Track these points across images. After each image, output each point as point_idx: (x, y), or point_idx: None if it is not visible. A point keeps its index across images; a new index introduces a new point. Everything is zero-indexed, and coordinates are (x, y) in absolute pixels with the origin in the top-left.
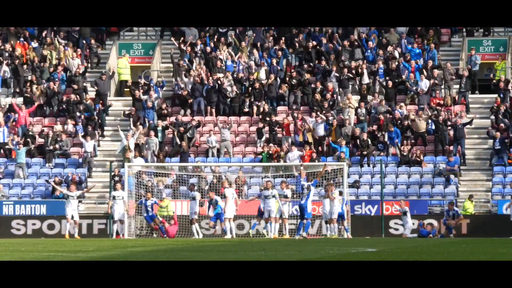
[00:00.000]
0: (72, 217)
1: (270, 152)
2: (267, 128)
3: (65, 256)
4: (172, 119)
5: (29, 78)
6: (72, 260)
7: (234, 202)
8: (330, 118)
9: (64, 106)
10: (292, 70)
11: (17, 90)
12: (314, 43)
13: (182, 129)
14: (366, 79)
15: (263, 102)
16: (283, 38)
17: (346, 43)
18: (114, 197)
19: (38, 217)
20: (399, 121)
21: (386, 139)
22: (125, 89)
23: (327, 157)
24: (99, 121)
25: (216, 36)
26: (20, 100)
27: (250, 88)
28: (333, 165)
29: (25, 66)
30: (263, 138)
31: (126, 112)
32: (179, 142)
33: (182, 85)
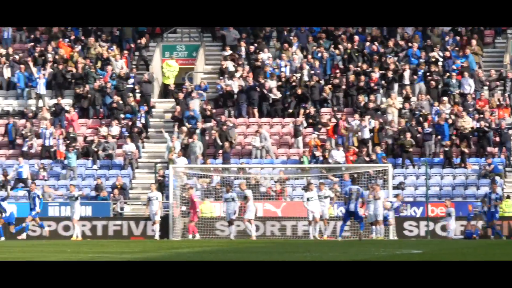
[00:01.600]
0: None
1: (315, 153)
2: (311, 130)
3: (110, 257)
4: (215, 120)
5: (74, 80)
6: (117, 261)
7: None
8: (373, 120)
9: (108, 108)
10: (336, 72)
11: (63, 92)
12: (357, 44)
13: (224, 128)
14: (408, 80)
15: (307, 104)
16: (327, 39)
17: (389, 43)
18: (149, 198)
19: (87, 218)
20: (443, 122)
21: (430, 140)
22: (171, 91)
23: (370, 158)
24: (143, 122)
25: (259, 38)
26: (66, 102)
27: (293, 90)
28: (377, 167)
29: (69, 68)
30: (307, 140)
31: (170, 114)
32: (220, 144)
33: (226, 87)
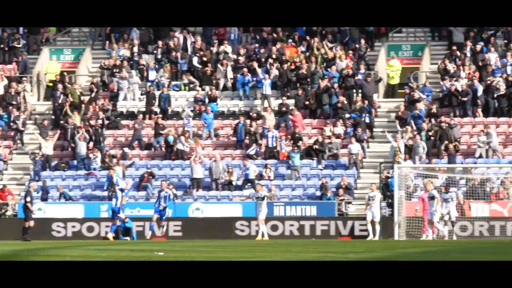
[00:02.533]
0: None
1: None
2: None
3: (334, 257)
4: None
5: (299, 80)
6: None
7: None
8: None
9: (333, 108)
10: None
11: (288, 92)
12: None
13: (443, 126)
14: None
15: None
16: None
17: None
18: (369, 198)
19: (310, 218)
20: None
21: None
22: (398, 91)
23: None
24: (368, 122)
25: (487, 37)
26: (291, 102)
27: None
28: None
29: (294, 68)
30: None
31: (394, 114)
32: (442, 143)
33: (451, 87)
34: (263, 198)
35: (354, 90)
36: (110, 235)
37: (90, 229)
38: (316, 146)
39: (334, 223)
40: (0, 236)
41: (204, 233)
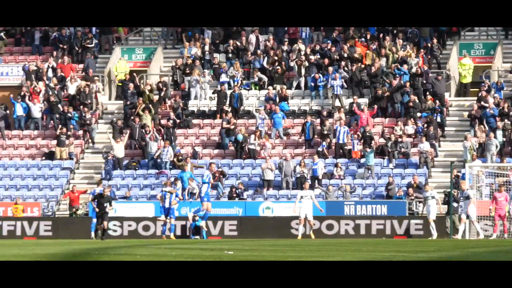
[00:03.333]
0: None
1: None
2: None
3: (406, 256)
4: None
5: (370, 79)
6: (414, 261)
7: None
8: None
9: (405, 106)
10: None
11: (360, 91)
12: None
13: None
14: None
15: None
16: None
17: None
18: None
19: (380, 217)
20: None
21: None
22: (470, 89)
23: None
24: (440, 121)
25: None
26: (362, 101)
27: None
28: None
29: (364, 67)
30: None
31: (467, 113)
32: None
33: None
34: (309, 198)
35: (426, 89)
36: (172, 235)
37: (146, 228)
38: (390, 148)
39: (389, 222)
40: (71, 236)
41: (259, 233)
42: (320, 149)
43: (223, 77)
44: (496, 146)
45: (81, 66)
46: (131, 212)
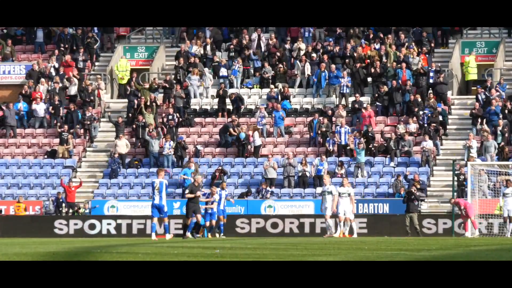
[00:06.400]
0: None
1: None
2: None
3: (408, 255)
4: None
5: (372, 78)
6: (417, 260)
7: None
8: None
9: (407, 105)
10: None
11: (362, 90)
12: None
13: None
14: None
15: None
16: None
17: None
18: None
19: (382, 215)
20: None
21: None
22: (472, 88)
23: None
24: (442, 120)
25: None
26: (365, 99)
27: None
28: None
29: (367, 66)
30: None
31: (469, 111)
32: None
33: None
34: (330, 193)
35: (428, 88)
36: (167, 235)
37: (145, 227)
38: (393, 146)
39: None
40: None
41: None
42: (328, 145)
43: (223, 71)
44: (495, 147)
45: (82, 65)
46: (132, 211)
